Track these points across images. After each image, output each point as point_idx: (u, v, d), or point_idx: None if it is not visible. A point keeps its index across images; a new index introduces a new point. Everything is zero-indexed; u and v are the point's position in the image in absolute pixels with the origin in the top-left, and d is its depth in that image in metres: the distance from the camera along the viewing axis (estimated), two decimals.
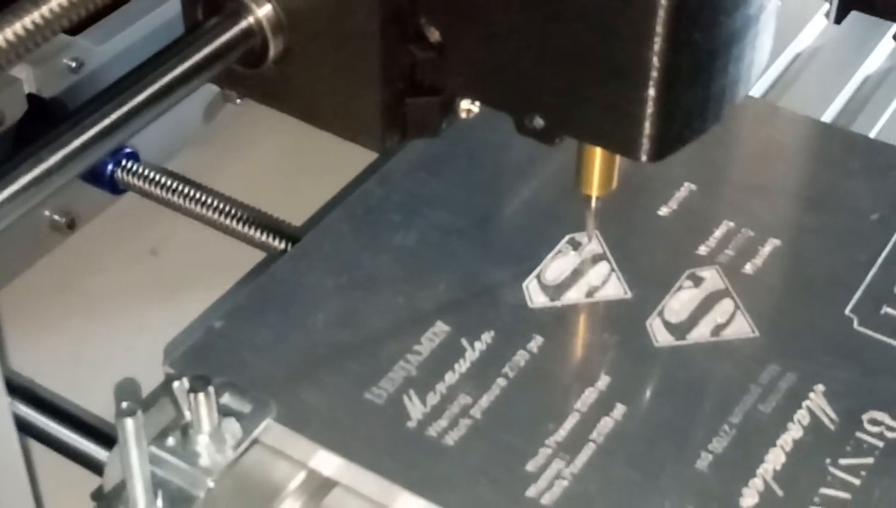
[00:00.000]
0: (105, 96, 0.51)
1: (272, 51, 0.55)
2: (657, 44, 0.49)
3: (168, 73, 0.52)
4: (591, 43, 0.50)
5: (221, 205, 0.76)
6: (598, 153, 0.58)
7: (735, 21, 0.51)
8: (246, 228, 0.75)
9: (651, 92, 0.50)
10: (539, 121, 0.53)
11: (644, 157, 0.52)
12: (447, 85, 0.55)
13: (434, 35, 0.53)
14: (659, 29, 0.48)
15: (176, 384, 0.54)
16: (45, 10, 0.50)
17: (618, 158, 0.58)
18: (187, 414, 0.54)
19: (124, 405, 0.51)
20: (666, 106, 0.51)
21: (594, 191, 0.59)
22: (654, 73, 0.49)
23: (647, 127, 0.51)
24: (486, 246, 0.64)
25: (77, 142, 0.49)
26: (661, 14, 0.48)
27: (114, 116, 0.50)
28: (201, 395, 0.54)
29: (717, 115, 0.53)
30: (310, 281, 0.62)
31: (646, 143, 0.51)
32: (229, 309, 0.61)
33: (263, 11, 0.54)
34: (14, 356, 0.75)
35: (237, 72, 0.55)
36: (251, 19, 0.54)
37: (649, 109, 0.50)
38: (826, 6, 0.87)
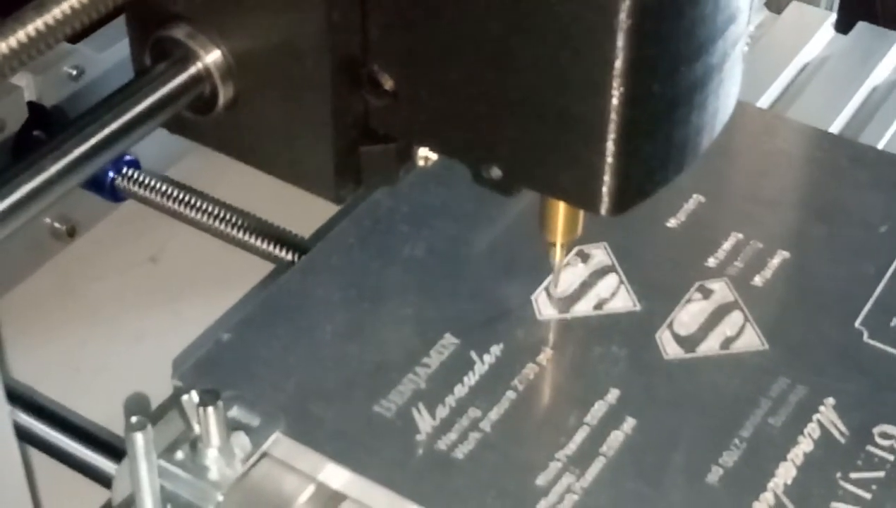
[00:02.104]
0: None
1: (222, 97, 0.53)
2: (614, 96, 0.47)
3: (115, 120, 0.51)
4: (546, 94, 0.48)
5: (221, 213, 0.76)
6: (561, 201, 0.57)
7: (696, 71, 0.49)
8: (245, 236, 0.75)
9: (609, 144, 0.48)
10: (496, 172, 0.51)
11: (603, 211, 0.50)
12: (401, 133, 0.53)
13: (387, 82, 0.51)
14: (615, 80, 0.46)
15: (185, 398, 0.54)
16: (47, 18, 0.50)
17: None
18: (196, 428, 0.54)
19: (134, 419, 0.51)
20: (625, 158, 0.49)
21: (558, 238, 0.58)
22: (612, 126, 0.47)
23: (607, 180, 0.49)
24: (494, 257, 0.64)
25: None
26: (617, 65, 0.46)
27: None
28: (211, 409, 0.53)
29: (679, 166, 0.51)
30: (318, 293, 0.62)
31: (605, 197, 0.50)
32: (238, 321, 0.61)
33: (212, 57, 0.53)
34: (14, 363, 0.75)
35: (188, 118, 0.54)
36: (200, 65, 0.53)
37: (608, 162, 0.48)
38: (833, 17, 0.87)
